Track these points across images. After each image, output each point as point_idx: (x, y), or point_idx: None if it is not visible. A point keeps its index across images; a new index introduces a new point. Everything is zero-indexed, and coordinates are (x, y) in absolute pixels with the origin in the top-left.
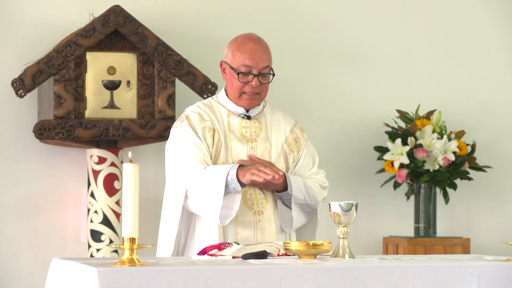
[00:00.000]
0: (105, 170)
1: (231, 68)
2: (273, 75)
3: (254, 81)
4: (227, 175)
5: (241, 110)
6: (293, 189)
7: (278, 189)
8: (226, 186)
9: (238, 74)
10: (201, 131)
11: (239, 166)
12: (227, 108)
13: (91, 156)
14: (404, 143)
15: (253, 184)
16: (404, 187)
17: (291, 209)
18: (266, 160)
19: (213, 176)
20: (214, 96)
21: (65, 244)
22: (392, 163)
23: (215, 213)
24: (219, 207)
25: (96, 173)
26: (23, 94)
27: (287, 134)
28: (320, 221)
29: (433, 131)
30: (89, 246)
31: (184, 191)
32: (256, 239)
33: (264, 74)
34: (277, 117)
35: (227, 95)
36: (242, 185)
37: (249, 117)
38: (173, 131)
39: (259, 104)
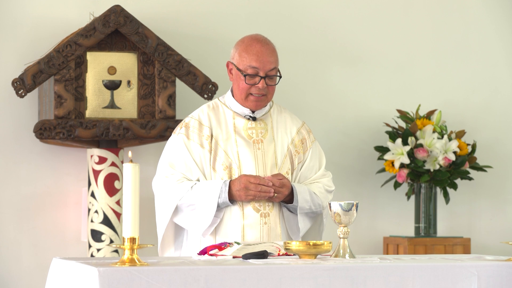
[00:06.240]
0: (105, 170)
1: (238, 69)
2: (280, 77)
3: (261, 83)
4: (218, 198)
5: (247, 111)
6: (299, 201)
7: (284, 200)
8: (217, 206)
9: (245, 76)
10: (198, 139)
11: (230, 182)
12: (232, 110)
13: (91, 156)
14: (405, 143)
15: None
16: (405, 187)
17: (296, 215)
18: (254, 176)
19: (204, 199)
20: (220, 97)
21: (66, 244)
22: (392, 163)
23: (200, 230)
24: (206, 226)
25: (96, 173)
26: (23, 94)
27: (294, 135)
28: (326, 225)
29: (434, 131)
30: (90, 246)
31: (172, 209)
32: (262, 241)
33: (271, 76)
34: (283, 117)
35: (233, 96)
36: (233, 202)
37: (254, 119)
38: (172, 136)
39: (265, 106)
